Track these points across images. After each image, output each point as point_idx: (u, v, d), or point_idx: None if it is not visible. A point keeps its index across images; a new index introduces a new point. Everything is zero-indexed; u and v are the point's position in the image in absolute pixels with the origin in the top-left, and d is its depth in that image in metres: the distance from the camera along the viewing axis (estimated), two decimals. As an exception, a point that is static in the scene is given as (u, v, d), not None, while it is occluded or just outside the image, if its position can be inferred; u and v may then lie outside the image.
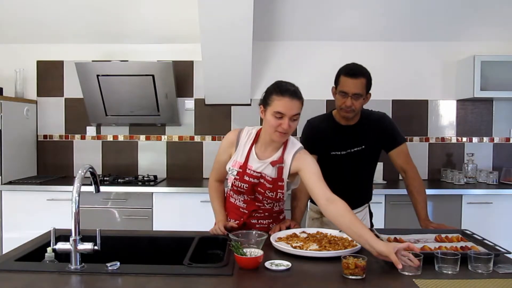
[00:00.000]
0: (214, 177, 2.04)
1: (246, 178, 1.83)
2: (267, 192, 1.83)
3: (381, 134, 2.11)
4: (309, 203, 2.27)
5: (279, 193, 1.83)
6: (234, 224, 1.87)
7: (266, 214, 1.92)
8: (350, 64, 2.06)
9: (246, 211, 1.90)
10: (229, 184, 1.93)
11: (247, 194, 1.87)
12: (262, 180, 1.82)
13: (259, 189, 1.84)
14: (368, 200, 2.27)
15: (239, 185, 1.85)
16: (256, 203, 1.89)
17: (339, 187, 2.10)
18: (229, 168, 1.90)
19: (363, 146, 2.10)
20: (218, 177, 2.03)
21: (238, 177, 1.84)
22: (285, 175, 1.82)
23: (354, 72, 2.00)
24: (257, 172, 1.82)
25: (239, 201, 1.92)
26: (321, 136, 2.13)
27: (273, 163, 1.81)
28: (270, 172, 1.82)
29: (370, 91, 2.08)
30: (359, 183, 2.19)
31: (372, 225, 2.24)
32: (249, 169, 1.83)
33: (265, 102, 1.78)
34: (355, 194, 2.16)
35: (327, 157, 2.12)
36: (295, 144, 1.89)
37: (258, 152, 1.86)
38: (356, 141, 2.10)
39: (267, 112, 1.76)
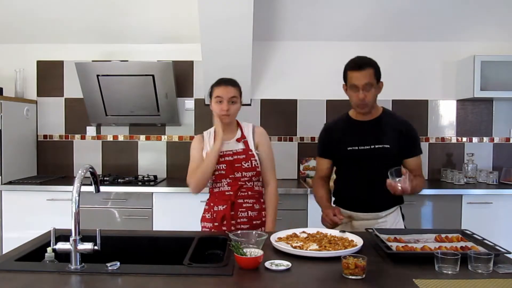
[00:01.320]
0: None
1: (222, 159, 2.12)
2: (243, 163, 2.12)
3: (403, 138, 2.05)
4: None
5: (253, 161, 2.13)
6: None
7: (249, 193, 2.14)
8: (354, 58, 2.03)
9: (232, 192, 2.12)
10: (210, 180, 2.16)
11: (227, 176, 2.12)
12: (235, 156, 2.13)
13: (236, 165, 2.12)
14: (400, 202, 2.16)
15: (219, 168, 2.11)
16: (239, 182, 2.12)
17: (364, 187, 2.05)
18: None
19: (388, 146, 2.02)
20: None
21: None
22: (251, 146, 2.17)
23: (359, 64, 1.98)
24: (228, 151, 2.14)
25: (223, 186, 2.14)
26: (337, 136, 2.12)
27: (238, 140, 2.18)
28: (238, 147, 2.16)
29: (382, 80, 2.05)
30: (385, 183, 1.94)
31: (404, 226, 2.17)
32: (220, 152, 2.12)
33: (210, 96, 2.19)
34: (381, 196, 2.02)
35: (345, 154, 2.07)
36: (247, 123, 2.28)
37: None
38: (378, 137, 2.04)
39: (212, 102, 2.15)
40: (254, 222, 2.14)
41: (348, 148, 2.07)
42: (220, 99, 2.10)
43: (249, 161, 2.12)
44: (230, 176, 2.12)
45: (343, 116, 2.20)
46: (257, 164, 2.14)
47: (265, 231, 1.96)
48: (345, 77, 2.06)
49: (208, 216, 2.17)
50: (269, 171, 2.23)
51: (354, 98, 2.02)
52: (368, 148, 2.04)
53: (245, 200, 2.13)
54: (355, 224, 2.11)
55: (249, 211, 2.13)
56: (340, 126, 2.16)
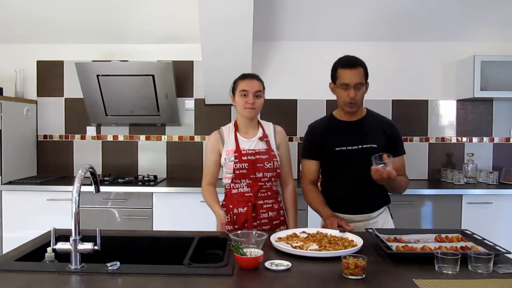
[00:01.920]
0: (207, 180, 2.20)
1: (244, 158, 2.08)
2: (265, 163, 2.09)
3: (388, 138, 2.06)
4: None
5: (275, 162, 2.12)
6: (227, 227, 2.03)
7: (268, 193, 2.13)
8: (344, 57, 2.04)
9: (251, 194, 2.09)
10: (227, 180, 2.12)
11: (248, 176, 2.08)
12: (258, 156, 2.10)
13: (258, 165, 2.08)
14: (387, 202, 2.17)
15: (241, 167, 2.07)
16: (258, 183, 2.09)
17: (355, 188, 2.02)
18: (225, 158, 2.12)
19: (376, 146, 2.01)
20: (210, 179, 2.20)
21: (237, 160, 2.08)
22: (273, 146, 2.15)
23: (351, 62, 1.99)
24: (251, 150, 2.11)
25: (243, 187, 2.10)
26: (323, 136, 2.10)
27: (261, 138, 2.14)
28: (261, 146, 2.13)
29: (368, 81, 2.06)
30: (374, 183, 1.93)
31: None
32: (243, 150, 2.10)
33: (233, 90, 2.17)
34: (372, 195, 2.07)
35: (334, 155, 2.06)
36: (266, 122, 2.25)
37: (243, 135, 2.16)
38: (365, 137, 2.04)
39: (236, 96, 2.13)
40: (274, 222, 2.13)
41: (337, 149, 2.05)
42: (245, 92, 2.08)
43: (272, 162, 2.10)
44: (251, 176, 2.08)
45: (327, 116, 2.20)
46: (278, 165, 2.13)
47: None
48: (333, 76, 2.05)
49: (227, 219, 2.10)
50: (288, 172, 2.24)
51: (344, 97, 2.01)
52: (356, 148, 2.03)
53: (265, 201, 2.11)
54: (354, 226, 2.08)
55: (269, 212, 2.12)
56: (325, 127, 2.14)
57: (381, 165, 1.79)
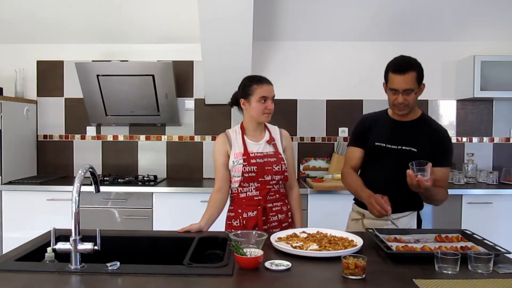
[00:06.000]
0: (217, 186, 2.13)
1: (253, 161, 2.07)
2: (274, 166, 2.08)
3: (434, 146, 2.00)
4: (352, 204, 2.22)
5: (283, 165, 2.11)
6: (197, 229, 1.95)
7: (277, 196, 2.12)
8: (398, 58, 2.00)
9: (261, 197, 2.08)
10: (235, 183, 2.10)
11: (257, 179, 2.06)
12: (266, 159, 2.09)
13: (266, 168, 2.07)
14: (416, 208, 2.12)
15: (250, 170, 2.05)
16: (267, 186, 2.08)
17: (384, 185, 1.96)
18: (233, 161, 2.08)
19: (415, 150, 1.98)
20: (220, 184, 2.12)
21: (246, 163, 2.06)
22: (280, 149, 2.15)
23: (402, 67, 1.94)
24: (259, 153, 2.10)
25: (251, 191, 2.09)
26: (370, 127, 2.10)
27: (269, 141, 2.14)
28: (269, 149, 2.13)
29: (424, 82, 2.01)
30: (405, 186, 1.87)
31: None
32: (251, 153, 2.08)
33: (245, 94, 2.09)
34: (399, 198, 1.97)
35: (373, 149, 2.06)
36: (272, 125, 2.23)
37: (251, 138, 2.14)
38: (407, 139, 2.01)
39: (252, 101, 2.07)
40: (284, 225, 2.12)
41: (376, 143, 2.06)
42: (265, 98, 2.05)
43: (280, 165, 2.10)
44: (259, 179, 2.07)
45: (382, 111, 2.18)
46: (286, 168, 2.12)
47: None
48: (386, 77, 2.02)
49: (236, 224, 2.09)
50: (293, 175, 2.24)
51: (391, 99, 1.99)
52: (395, 148, 2.02)
53: (274, 204, 2.11)
54: (365, 223, 2.09)
55: (279, 214, 2.11)
56: (375, 120, 2.14)
57: (419, 172, 1.76)
